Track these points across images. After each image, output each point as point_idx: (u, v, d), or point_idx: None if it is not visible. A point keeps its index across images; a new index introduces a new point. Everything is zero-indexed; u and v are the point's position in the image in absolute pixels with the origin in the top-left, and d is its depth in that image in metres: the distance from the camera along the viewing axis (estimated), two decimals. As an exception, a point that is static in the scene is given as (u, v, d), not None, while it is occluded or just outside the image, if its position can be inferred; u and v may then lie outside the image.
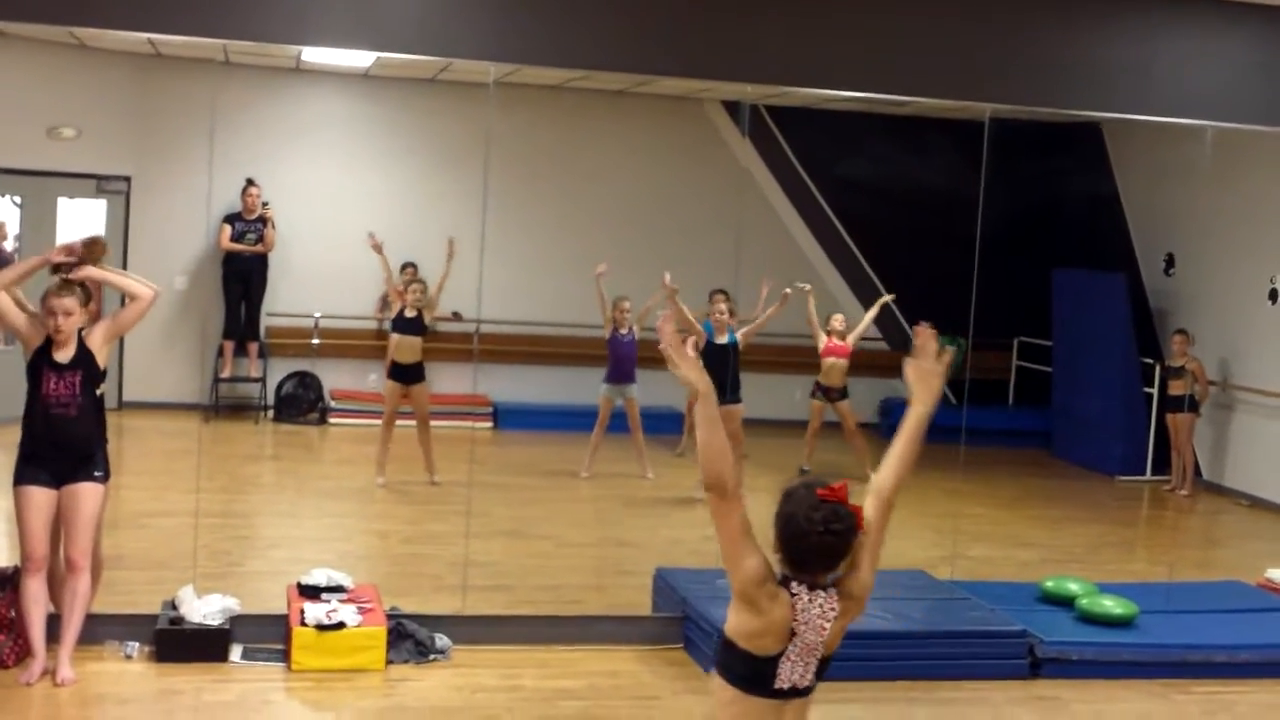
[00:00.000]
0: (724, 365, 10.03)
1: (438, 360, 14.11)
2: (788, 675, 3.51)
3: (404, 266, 13.81)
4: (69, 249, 6.34)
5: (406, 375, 10.83)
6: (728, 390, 10.14)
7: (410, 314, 10.82)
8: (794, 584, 3.50)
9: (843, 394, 11.96)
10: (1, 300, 6.33)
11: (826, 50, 7.72)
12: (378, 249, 10.77)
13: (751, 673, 3.51)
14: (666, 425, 12.23)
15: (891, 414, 14.64)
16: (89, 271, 6.44)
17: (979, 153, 8.91)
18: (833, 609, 3.51)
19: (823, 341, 11.80)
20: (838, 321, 11.87)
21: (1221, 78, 8.23)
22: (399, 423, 10.89)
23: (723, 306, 10.63)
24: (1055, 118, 12.05)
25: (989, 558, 9.49)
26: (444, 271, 10.71)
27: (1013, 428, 14.28)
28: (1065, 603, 7.80)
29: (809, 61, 7.74)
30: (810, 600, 3.49)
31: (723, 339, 10.57)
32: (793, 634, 3.48)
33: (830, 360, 11.89)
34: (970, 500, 11.38)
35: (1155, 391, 13.00)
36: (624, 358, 11.45)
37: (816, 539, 3.45)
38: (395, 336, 10.89)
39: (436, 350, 14.09)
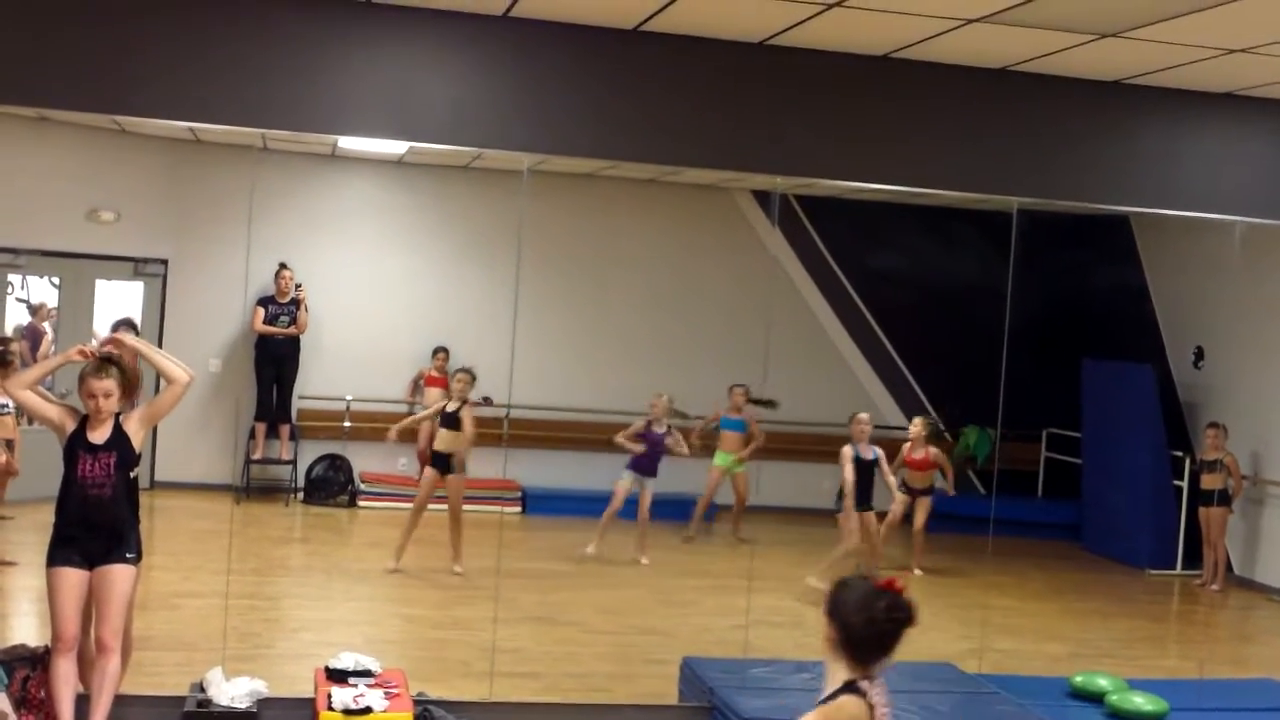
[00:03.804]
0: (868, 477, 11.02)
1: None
2: None
3: (436, 351, 13.97)
4: (83, 351, 6.46)
5: (444, 464, 10.80)
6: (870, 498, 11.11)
7: (451, 407, 10.76)
8: (860, 684, 3.56)
9: (926, 491, 12.26)
10: (30, 398, 6.45)
11: (855, 143, 7.81)
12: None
13: None
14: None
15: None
16: (130, 341, 6.56)
17: (1008, 244, 8.96)
18: (888, 697, 3.58)
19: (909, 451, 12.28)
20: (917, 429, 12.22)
21: (1250, 172, 8.28)
22: (432, 507, 10.85)
23: (865, 428, 11.03)
24: (1084, 210, 12.13)
25: (1018, 651, 9.42)
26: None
27: (1042, 519, 14.21)
28: (1095, 698, 7.72)
29: (838, 154, 7.82)
30: (877, 692, 3.56)
31: (868, 455, 11.01)
32: None
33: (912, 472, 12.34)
34: (999, 592, 11.31)
35: (1185, 485, 12.93)
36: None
37: (878, 627, 3.53)
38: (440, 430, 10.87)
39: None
